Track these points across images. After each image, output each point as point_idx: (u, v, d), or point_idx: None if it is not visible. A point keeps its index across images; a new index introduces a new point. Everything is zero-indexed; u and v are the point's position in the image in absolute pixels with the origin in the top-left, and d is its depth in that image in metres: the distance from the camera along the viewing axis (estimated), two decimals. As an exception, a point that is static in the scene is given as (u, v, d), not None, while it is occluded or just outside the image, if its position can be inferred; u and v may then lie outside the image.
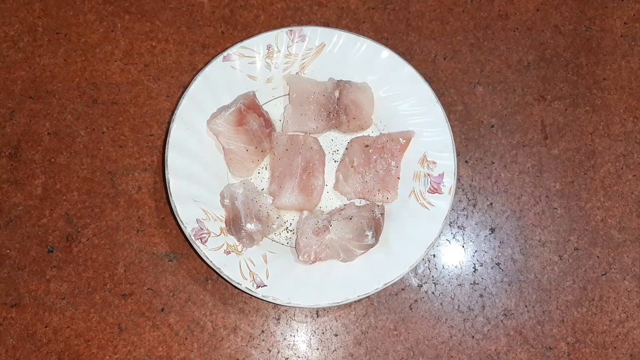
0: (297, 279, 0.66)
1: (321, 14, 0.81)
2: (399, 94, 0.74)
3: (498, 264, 0.72)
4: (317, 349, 0.69)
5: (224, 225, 0.68)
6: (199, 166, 0.70)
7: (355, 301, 0.68)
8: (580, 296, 0.71)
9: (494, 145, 0.77)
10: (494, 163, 0.76)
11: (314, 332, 0.69)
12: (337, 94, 0.73)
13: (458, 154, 0.75)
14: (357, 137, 0.73)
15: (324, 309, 0.70)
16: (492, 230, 0.73)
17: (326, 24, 0.80)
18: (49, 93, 0.77)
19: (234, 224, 0.68)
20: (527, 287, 0.71)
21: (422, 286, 0.71)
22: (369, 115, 0.74)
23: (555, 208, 0.74)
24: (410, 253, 0.67)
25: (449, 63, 0.79)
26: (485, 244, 0.73)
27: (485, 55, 0.80)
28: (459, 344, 0.69)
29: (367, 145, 0.72)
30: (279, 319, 0.69)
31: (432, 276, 0.72)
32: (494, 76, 0.79)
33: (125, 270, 0.70)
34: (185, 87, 0.73)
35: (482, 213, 0.74)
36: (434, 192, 0.70)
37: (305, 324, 0.69)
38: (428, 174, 0.71)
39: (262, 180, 0.73)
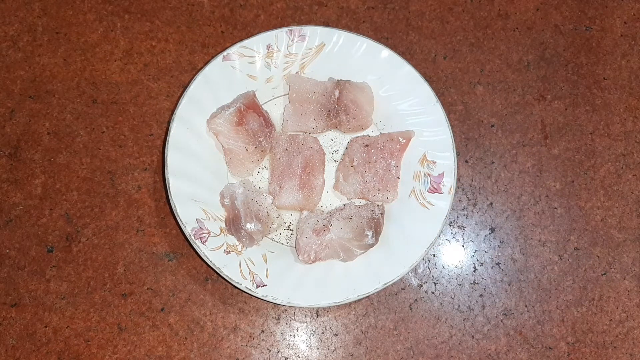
0: (297, 278, 0.66)
1: (321, 14, 0.81)
2: (398, 93, 0.74)
3: (498, 263, 0.72)
4: (317, 348, 0.69)
5: (223, 225, 0.68)
6: (198, 166, 0.70)
7: (355, 301, 0.68)
8: (580, 296, 0.71)
9: (494, 145, 0.77)
10: (494, 163, 0.76)
11: (314, 331, 0.69)
12: (337, 93, 0.73)
13: (458, 154, 0.75)
14: (357, 137, 0.73)
15: (323, 308, 0.70)
16: (492, 230, 0.73)
17: (326, 23, 0.80)
18: (49, 93, 0.77)
19: (233, 224, 0.68)
20: (527, 287, 0.71)
21: (422, 286, 0.71)
22: (368, 115, 0.74)
23: (555, 208, 0.74)
24: (410, 253, 0.67)
25: (449, 63, 0.79)
26: (485, 243, 0.73)
27: (485, 55, 0.80)
28: (459, 343, 0.69)
29: (367, 145, 0.72)
30: (278, 319, 0.69)
31: (432, 276, 0.72)
32: (494, 76, 0.79)
33: (125, 270, 0.70)
34: (185, 87, 0.73)
35: (482, 213, 0.74)
36: (434, 192, 0.70)
37: (305, 324, 0.69)
38: (428, 174, 0.71)
39: (262, 179, 0.73)
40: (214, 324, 0.69)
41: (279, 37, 0.74)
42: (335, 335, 0.69)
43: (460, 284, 0.71)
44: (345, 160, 0.72)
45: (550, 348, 0.69)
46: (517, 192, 0.75)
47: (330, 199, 0.73)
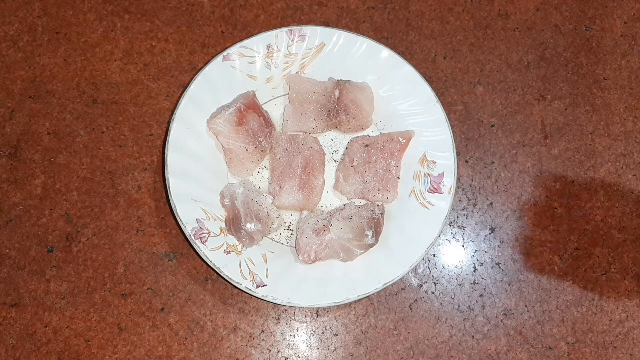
0: (297, 278, 0.66)
1: (321, 14, 0.81)
2: (398, 93, 0.74)
3: (498, 263, 0.72)
4: (317, 348, 0.69)
5: (223, 225, 0.68)
6: (198, 166, 0.70)
7: (355, 301, 0.68)
8: (580, 296, 0.71)
9: (494, 144, 0.77)
10: (494, 163, 0.76)
11: (314, 331, 0.69)
12: (336, 93, 0.73)
13: (458, 154, 0.75)
14: (357, 137, 0.73)
15: (323, 308, 0.70)
16: (492, 230, 0.73)
17: (326, 23, 0.80)
18: (49, 93, 0.77)
19: (233, 224, 0.68)
20: (527, 287, 0.71)
21: (422, 286, 0.71)
22: (368, 115, 0.74)
23: (555, 208, 0.74)
24: (410, 253, 0.67)
25: (449, 63, 0.79)
26: (485, 243, 0.73)
27: (485, 55, 0.80)
28: (459, 343, 0.69)
29: (367, 145, 0.72)
30: (278, 319, 0.69)
31: (432, 276, 0.72)
32: (494, 76, 0.79)
33: (125, 270, 0.70)
34: (185, 87, 0.73)
35: (482, 213, 0.74)
36: (434, 192, 0.70)
37: (305, 324, 0.69)
38: (428, 174, 0.71)
39: (262, 179, 0.73)
40: (214, 324, 0.69)
41: (279, 37, 0.74)
42: (335, 335, 0.69)
43: (460, 284, 0.71)
44: (345, 160, 0.72)
45: (550, 348, 0.69)
46: (517, 192, 0.75)
47: (330, 199, 0.73)
